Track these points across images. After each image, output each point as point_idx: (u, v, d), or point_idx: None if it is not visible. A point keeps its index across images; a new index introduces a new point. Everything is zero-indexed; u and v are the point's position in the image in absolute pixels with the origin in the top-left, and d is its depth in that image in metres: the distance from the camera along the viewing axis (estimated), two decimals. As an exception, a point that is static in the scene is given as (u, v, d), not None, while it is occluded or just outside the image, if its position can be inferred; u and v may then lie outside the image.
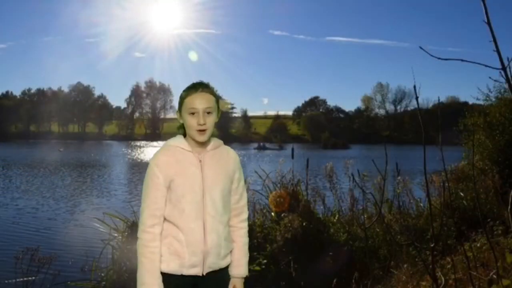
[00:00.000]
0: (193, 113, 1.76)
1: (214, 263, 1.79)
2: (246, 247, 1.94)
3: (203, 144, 1.82)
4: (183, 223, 1.74)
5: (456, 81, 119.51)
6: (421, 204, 5.80)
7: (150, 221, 1.73)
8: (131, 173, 21.66)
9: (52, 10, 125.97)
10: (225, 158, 1.87)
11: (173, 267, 1.74)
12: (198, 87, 1.79)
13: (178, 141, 1.82)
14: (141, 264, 1.72)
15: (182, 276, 1.75)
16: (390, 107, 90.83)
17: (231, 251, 1.89)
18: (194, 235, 1.74)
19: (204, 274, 1.77)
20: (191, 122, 1.76)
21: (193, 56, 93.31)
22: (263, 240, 4.45)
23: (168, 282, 1.74)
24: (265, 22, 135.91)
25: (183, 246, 1.73)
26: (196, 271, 1.76)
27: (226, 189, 1.83)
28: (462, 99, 78.05)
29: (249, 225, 4.87)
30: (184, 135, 1.85)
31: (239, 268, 1.90)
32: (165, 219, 1.77)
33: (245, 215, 1.95)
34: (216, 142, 1.87)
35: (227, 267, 1.87)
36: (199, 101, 1.76)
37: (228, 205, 1.86)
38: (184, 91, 1.81)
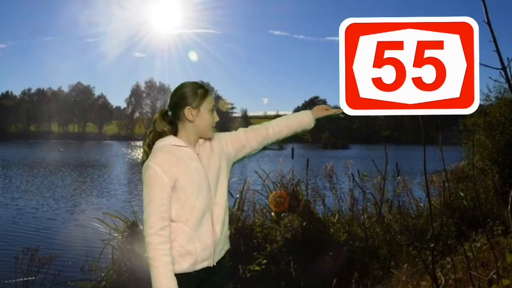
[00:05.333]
0: (212, 110, 1.82)
1: (221, 250, 1.83)
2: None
3: (198, 139, 1.83)
4: (193, 219, 1.73)
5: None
6: (421, 204, 5.80)
7: (159, 224, 1.68)
8: (131, 173, 21.63)
9: (52, 10, 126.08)
10: (212, 142, 1.88)
11: (185, 267, 1.73)
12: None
13: (172, 140, 1.79)
14: (155, 268, 1.67)
15: (194, 271, 1.75)
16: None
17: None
18: (204, 228, 1.75)
19: (215, 264, 1.80)
20: (211, 119, 1.81)
21: (193, 56, 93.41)
22: (263, 240, 4.45)
23: (179, 282, 1.71)
24: (265, 22, 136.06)
25: (195, 243, 1.73)
26: (207, 263, 1.77)
27: (224, 170, 1.86)
28: (462, 99, 77.97)
29: (249, 225, 4.86)
30: (175, 134, 1.83)
31: (302, 113, 2.04)
32: (171, 220, 1.73)
33: (253, 126, 1.99)
34: None
35: (226, 254, 1.90)
36: (213, 100, 1.85)
37: (226, 185, 1.89)
38: (200, 88, 1.82)
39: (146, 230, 1.70)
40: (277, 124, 2.00)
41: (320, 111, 2.05)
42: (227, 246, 1.89)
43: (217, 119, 1.83)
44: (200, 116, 1.79)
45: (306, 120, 2.02)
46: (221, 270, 1.85)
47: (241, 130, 1.97)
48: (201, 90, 1.80)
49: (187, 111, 1.77)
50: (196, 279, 1.77)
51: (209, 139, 1.87)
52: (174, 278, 1.69)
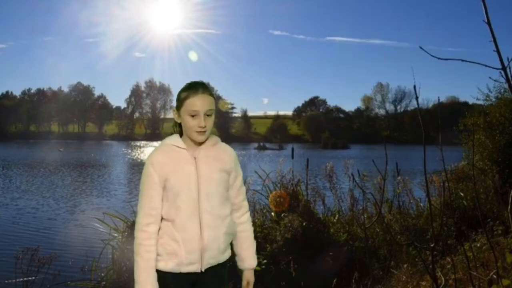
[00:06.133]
0: (193, 115, 1.75)
1: (213, 258, 1.79)
2: (251, 238, 1.97)
3: (197, 142, 1.82)
4: (179, 221, 1.74)
5: (456, 81, 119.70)
6: (421, 204, 5.80)
7: (145, 220, 1.74)
8: (131, 173, 21.63)
9: (52, 10, 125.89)
10: (221, 154, 1.86)
11: (171, 266, 1.75)
12: (199, 87, 1.76)
13: (174, 140, 1.82)
14: (136, 263, 1.73)
15: (181, 274, 1.75)
16: (390, 107, 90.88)
17: (232, 244, 1.93)
18: (190, 232, 1.74)
19: (203, 270, 1.78)
20: (191, 124, 1.75)
21: (193, 56, 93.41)
22: (263, 240, 4.45)
23: (167, 280, 1.74)
24: (265, 22, 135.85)
25: (179, 245, 1.73)
26: (195, 268, 1.76)
27: (222, 183, 1.84)
28: (462, 99, 78.25)
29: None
30: (180, 134, 1.85)
31: (248, 260, 1.94)
32: (162, 218, 1.77)
33: (244, 209, 1.97)
34: (212, 139, 1.86)
35: (225, 262, 1.88)
36: (201, 104, 1.74)
37: (227, 199, 1.87)
38: (183, 91, 1.77)
39: (135, 225, 1.78)
40: (238, 237, 1.95)
41: (246, 279, 1.95)
42: (222, 257, 1.84)
43: (201, 124, 1.74)
44: (182, 119, 1.79)
45: (241, 266, 1.96)
46: (214, 280, 1.83)
47: (241, 195, 1.95)
48: (183, 93, 1.77)
49: (173, 113, 1.82)
50: (185, 282, 1.77)
51: (220, 147, 1.88)
52: (154, 274, 1.73)
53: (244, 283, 1.96)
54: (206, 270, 1.79)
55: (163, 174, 1.74)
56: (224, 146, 1.91)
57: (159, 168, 1.74)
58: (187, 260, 1.74)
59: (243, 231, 1.95)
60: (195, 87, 1.76)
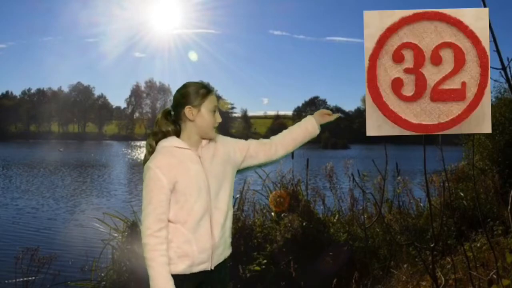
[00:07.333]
0: (214, 111, 1.81)
1: (220, 254, 1.81)
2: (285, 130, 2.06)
3: (200, 141, 1.82)
4: (191, 221, 1.73)
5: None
6: (421, 204, 5.80)
7: (157, 225, 1.70)
8: (131, 173, 21.62)
9: (52, 10, 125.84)
10: (216, 147, 1.87)
11: (182, 268, 1.73)
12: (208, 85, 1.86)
13: (174, 141, 1.79)
14: (153, 269, 1.69)
15: (191, 274, 1.75)
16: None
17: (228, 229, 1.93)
18: (202, 232, 1.74)
19: (213, 268, 1.79)
20: (212, 120, 1.80)
21: (193, 56, 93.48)
22: (263, 240, 4.45)
23: (176, 282, 1.72)
24: (265, 22, 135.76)
25: (192, 245, 1.73)
26: (205, 266, 1.77)
27: (227, 176, 1.85)
28: (462, 99, 78.04)
29: (249, 225, 4.86)
30: (177, 134, 1.83)
31: (307, 120, 2.04)
32: (169, 221, 1.74)
33: (264, 140, 2.00)
34: None
35: (228, 257, 1.89)
36: (216, 100, 1.84)
37: (230, 192, 1.87)
38: (202, 87, 1.81)
39: (143, 231, 1.72)
40: (281, 142, 1.99)
41: (322, 117, 2.05)
42: (228, 252, 1.87)
43: (219, 119, 1.82)
44: (200, 116, 1.78)
45: (310, 128, 2.02)
46: (220, 275, 1.84)
47: (252, 140, 1.98)
48: (202, 90, 1.79)
49: (188, 110, 1.77)
50: (194, 282, 1.77)
51: (213, 142, 1.86)
52: (171, 278, 1.70)
53: (324, 113, 2.06)
54: (214, 267, 1.80)
55: (172, 177, 1.71)
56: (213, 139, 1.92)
57: (167, 171, 1.71)
58: (199, 260, 1.74)
59: (278, 139, 2.00)
60: (206, 85, 1.85)
